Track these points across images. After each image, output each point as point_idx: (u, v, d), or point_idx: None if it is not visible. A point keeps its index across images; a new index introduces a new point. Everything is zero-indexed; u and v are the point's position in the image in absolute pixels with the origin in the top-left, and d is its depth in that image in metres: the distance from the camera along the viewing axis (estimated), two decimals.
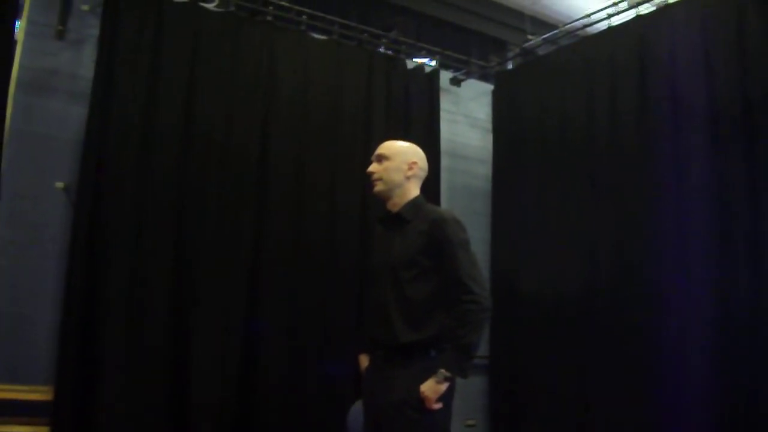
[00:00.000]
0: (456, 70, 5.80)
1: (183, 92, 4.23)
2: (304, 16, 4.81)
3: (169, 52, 4.21)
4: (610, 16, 4.72)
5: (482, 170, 5.71)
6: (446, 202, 5.28)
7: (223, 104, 4.35)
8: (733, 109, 3.75)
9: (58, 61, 4.16)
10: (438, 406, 2.45)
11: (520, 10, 6.30)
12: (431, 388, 2.43)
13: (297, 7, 4.78)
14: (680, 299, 3.84)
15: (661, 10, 4.34)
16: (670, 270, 3.92)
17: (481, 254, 3.46)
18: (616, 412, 4.13)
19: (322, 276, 4.49)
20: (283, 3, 4.72)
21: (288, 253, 4.40)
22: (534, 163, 5.16)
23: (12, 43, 3.88)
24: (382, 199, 2.76)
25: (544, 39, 5.43)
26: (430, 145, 5.07)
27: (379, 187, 2.72)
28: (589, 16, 4.91)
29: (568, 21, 5.29)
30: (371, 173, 2.74)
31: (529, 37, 5.61)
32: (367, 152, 3.69)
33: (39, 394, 3.74)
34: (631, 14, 4.59)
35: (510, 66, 5.95)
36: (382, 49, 5.28)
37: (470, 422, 5.23)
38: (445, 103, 5.55)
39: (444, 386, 2.44)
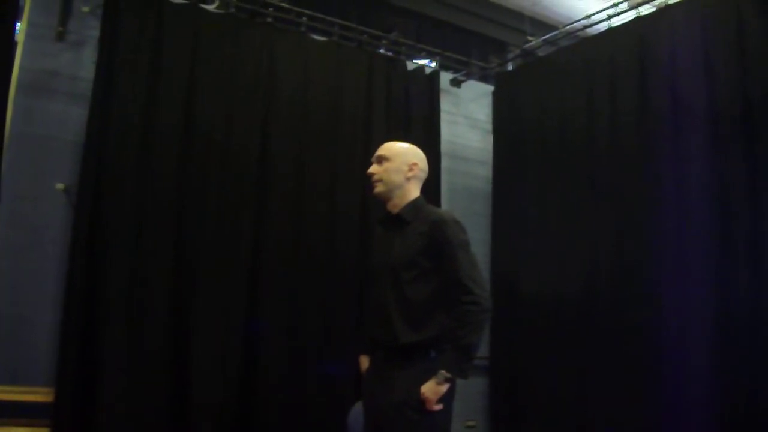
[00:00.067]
0: (456, 71, 5.80)
1: (183, 93, 4.23)
2: (304, 18, 4.81)
3: (169, 53, 4.22)
4: (610, 17, 4.72)
5: (482, 171, 5.71)
6: (446, 203, 5.28)
7: (223, 105, 4.35)
8: (733, 109, 3.75)
9: (59, 63, 4.17)
10: (438, 407, 2.45)
11: (520, 11, 6.31)
12: (431, 389, 2.43)
13: (297, 9, 4.78)
14: (680, 299, 3.84)
15: (661, 11, 4.34)
16: (670, 270, 3.92)
17: (481, 255, 3.47)
18: (616, 412, 4.12)
19: (322, 276, 4.50)
20: (283, 4, 4.73)
21: (288, 253, 4.41)
22: (534, 164, 5.17)
23: (12, 44, 3.89)
24: (382, 201, 2.76)
25: (544, 40, 5.43)
26: (431, 146, 5.07)
27: (379, 188, 2.72)
28: (589, 17, 4.92)
29: (568, 22, 5.29)
30: (371, 174, 2.74)
31: (529, 38, 5.61)
32: (367, 153, 3.71)
33: (39, 395, 3.74)
34: (631, 15, 4.59)
35: (510, 67, 5.96)
36: (382, 51, 5.28)
37: (470, 423, 5.23)
38: (446, 104, 5.55)
39: (444, 387, 2.44)
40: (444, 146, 5.37)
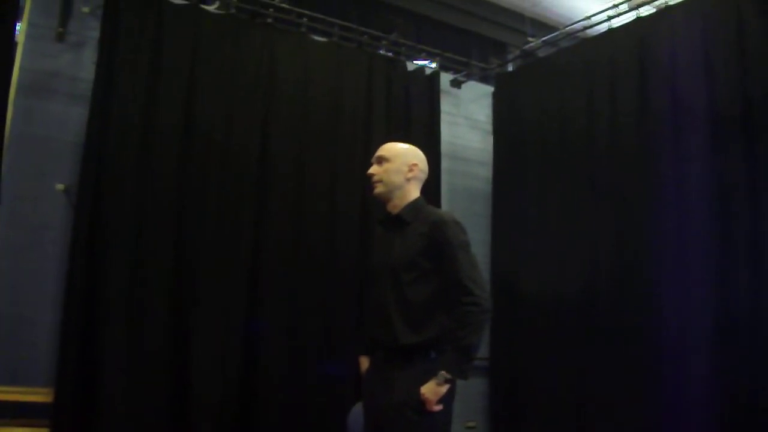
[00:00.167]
0: (456, 72, 5.80)
1: (183, 94, 4.24)
2: (305, 18, 4.81)
3: (169, 54, 4.22)
4: (610, 18, 4.73)
5: (482, 172, 5.71)
6: (446, 204, 5.28)
7: (224, 106, 4.36)
8: (733, 109, 3.75)
9: (59, 63, 4.17)
10: (438, 407, 2.44)
11: (521, 12, 6.31)
12: (431, 389, 2.43)
13: (297, 9, 4.78)
14: (680, 299, 3.84)
15: (661, 12, 4.34)
16: (670, 270, 3.92)
17: (481, 256, 3.47)
18: (616, 413, 4.12)
19: (322, 276, 4.50)
20: (283, 5, 4.73)
21: (288, 253, 4.41)
22: (534, 165, 5.17)
23: (12, 45, 3.89)
24: (382, 201, 2.75)
25: (544, 41, 5.43)
26: (431, 146, 5.07)
27: (379, 188, 2.71)
28: (589, 18, 4.92)
29: (568, 23, 5.29)
30: (371, 175, 2.73)
31: (530, 39, 5.62)
32: (367, 154, 3.71)
33: (39, 395, 3.74)
34: (631, 16, 4.59)
35: (510, 68, 5.96)
36: (382, 51, 5.29)
37: (470, 424, 5.23)
38: (446, 105, 5.56)
39: (444, 388, 2.44)
40: (444, 147, 5.37)
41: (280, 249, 4.38)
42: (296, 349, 4.33)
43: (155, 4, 4.24)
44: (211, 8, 4.56)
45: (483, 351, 4.23)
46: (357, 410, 3.39)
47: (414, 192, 2.73)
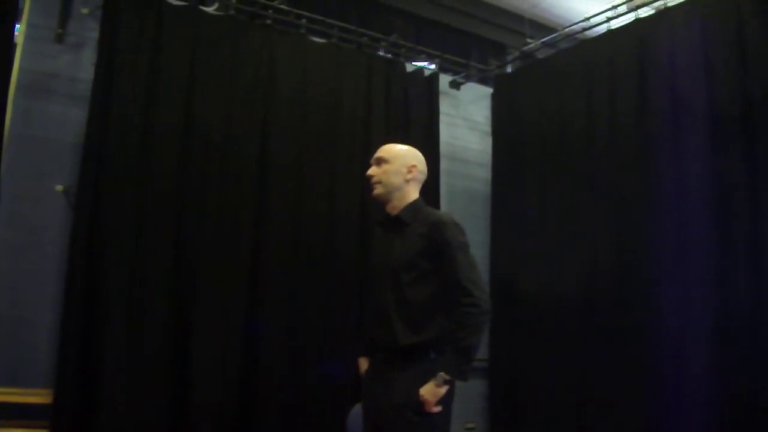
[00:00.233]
0: (455, 73, 5.81)
1: (182, 95, 4.24)
2: (304, 20, 4.82)
3: (168, 54, 4.22)
4: (609, 19, 4.73)
5: (481, 173, 5.72)
6: (445, 205, 5.28)
7: (223, 107, 4.36)
8: (733, 109, 3.75)
9: (58, 64, 4.17)
10: (437, 409, 2.44)
11: (520, 13, 6.30)
12: (431, 391, 2.42)
13: (296, 11, 4.79)
14: (680, 299, 3.84)
15: (660, 13, 4.35)
16: (670, 270, 3.93)
17: (480, 257, 3.47)
18: (616, 413, 4.12)
19: (322, 276, 4.51)
20: (282, 6, 4.73)
21: (288, 254, 4.41)
22: (533, 166, 5.17)
23: (12, 46, 3.89)
24: (382, 202, 2.75)
25: (543, 42, 5.44)
26: (430, 148, 5.08)
27: (378, 190, 2.71)
28: (588, 19, 4.92)
29: (568, 24, 5.30)
30: (370, 176, 2.73)
31: (529, 40, 5.62)
32: (366, 155, 3.70)
33: (38, 397, 3.73)
34: (630, 17, 4.60)
35: (509, 69, 5.96)
36: (381, 53, 5.29)
37: (470, 425, 5.23)
38: (445, 107, 5.56)
39: (443, 389, 2.43)
40: (443, 148, 5.38)
41: (280, 249, 4.39)
42: (296, 349, 4.33)
43: (154, 5, 4.25)
44: (210, 9, 4.57)
45: (482, 352, 4.25)
46: (356, 411, 3.39)
47: (413, 193, 2.73)
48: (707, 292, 3.71)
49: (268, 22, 4.68)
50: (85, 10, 4.25)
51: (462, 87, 5.82)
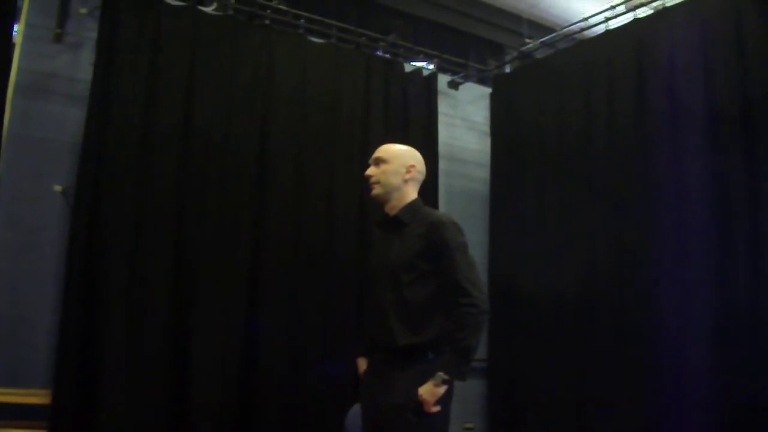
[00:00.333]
0: (454, 73, 5.81)
1: (181, 95, 4.23)
2: (302, 20, 4.82)
3: (167, 54, 4.22)
4: (607, 19, 4.73)
5: (480, 173, 5.72)
6: (444, 206, 5.28)
7: (222, 107, 4.36)
8: (733, 109, 3.76)
9: (56, 64, 4.17)
10: (436, 409, 2.44)
11: (518, 13, 6.31)
12: (429, 391, 2.42)
13: (295, 11, 4.79)
14: (680, 299, 3.84)
15: (659, 13, 4.35)
16: (670, 270, 3.93)
17: (479, 257, 3.48)
18: (616, 414, 4.13)
19: (322, 276, 4.50)
20: (281, 7, 4.73)
21: (288, 254, 4.41)
22: (532, 166, 5.17)
23: (10, 46, 3.89)
24: (380, 203, 2.75)
25: (541, 42, 5.44)
26: (428, 148, 5.07)
27: (376, 190, 2.71)
28: (586, 19, 4.93)
29: (566, 24, 5.30)
30: (369, 176, 2.73)
31: (527, 40, 5.63)
32: (365, 155, 3.71)
33: (38, 397, 3.73)
34: (628, 17, 4.60)
35: (508, 69, 5.97)
36: (380, 53, 5.29)
37: (469, 425, 5.23)
38: (443, 107, 5.56)
39: (442, 389, 2.44)
40: (441, 148, 5.38)
41: (280, 249, 4.38)
42: (296, 349, 4.33)
43: (153, 5, 4.24)
44: (209, 9, 4.57)
45: (481, 352, 4.24)
46: (355, 411, 3.39)
47: (412, 193, 2.73)
48: (707, 292, 3.71)
49: (267, 22, 4.67)
50: (83, 10, 4.24)
51: (460, 87, 5.82)
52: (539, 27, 6.22)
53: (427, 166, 2.84)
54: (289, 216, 4.47)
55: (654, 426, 3.88)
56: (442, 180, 5.33)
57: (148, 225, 4.01)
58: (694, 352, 3.74)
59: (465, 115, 5.86)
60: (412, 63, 5.52)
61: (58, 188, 4.02)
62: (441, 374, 2.42)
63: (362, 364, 2.78)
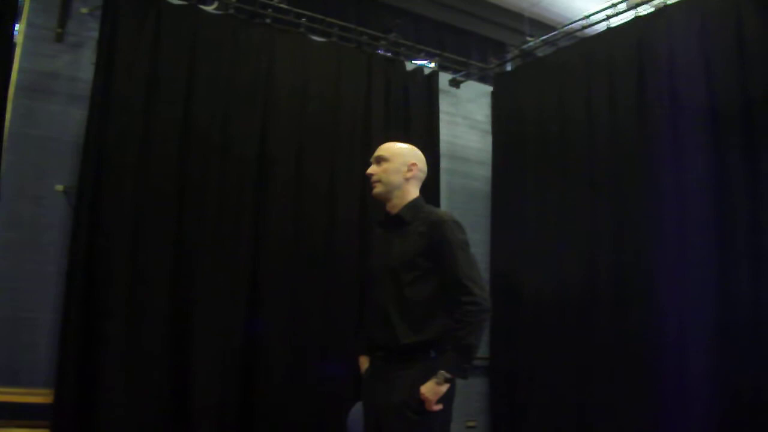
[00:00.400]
0: (455, 71, 5.80)
1: (182, 94, 4.23)
2: (303, 19, 4.81)
3: (167, 54, 4.21)
4: (609, 17, 4.72)
5: (481, 172, 5.71)
6: (445, 204, 5.28)
7: (223, 106, 4.35)
8: (733, 109, 3.75)
9: (58, 64, 4.17)
10: (438, 407, 2.45)
11: (519, 11, 6.31)
12: (431, 389, 2.43)
13: (296, 9, 4.78)
14: (680, 299, 3.84)
15: (660, 11, 4.34)
16: (670, 270, 3.92)
17: (480, 256, 3.47)
18: (617, 413, 4.12)
19: (322, 276, 4.50)
20: (282, 5, 4.72)
21: (288, 254, 4.40)
22: (533, 165, 5.17)
23: (11, 46, 3.89)
24: (382, 201, 2.76)
25: (543, 40, 5.43)
26: (430, 146, 5.07)
27: (378, 188, 2.72)
28: (587, 17, 4.92)
29: (567, 22, 5.29)
30: (370, 175, 2.73)
31: (528, 38, 5.62)
32: (366, 153, 3.71)
33: (39, 396, 3.73)
34: (630, 15, 4.59)
35: (509, 67, 5.96)
36: (381, 51, 5.29)
37: (470, 423, 5.23)
38: (444, 105, 5.55)
39: (444, 387, 2.44)
40: (443, 147, 5.37)
41: (280, 249, 4.38)
42: (296, 349, 4.32)
43: (154, 4, 4.24)
44: (210, 8, 4.56)
45: (483, 350, 4.24)
46: (356, 410, 3.40)
47: (413, 192, 2.73)
48: (707, 292, 3.71)
49: (268, 20, 4.67)
50: (84, 10, 4.24)
51: (462, 85, 5.82)
52: (540, 25, 6.22)
53: (429, 165, 2.85)
54: (289, 215, 4.46)
55: (655, 424, 3.88)
56: (443, 178, 5.33)
57: (149, 225, 4.00)
58: (695, 350, 3.73)
59: (466, 114, 5.85)
60: (413, 61, 5.51)
61: (59, 188, 4.03)
62: (443, 372, 2.43)
63: (364, 362, 2.79)
